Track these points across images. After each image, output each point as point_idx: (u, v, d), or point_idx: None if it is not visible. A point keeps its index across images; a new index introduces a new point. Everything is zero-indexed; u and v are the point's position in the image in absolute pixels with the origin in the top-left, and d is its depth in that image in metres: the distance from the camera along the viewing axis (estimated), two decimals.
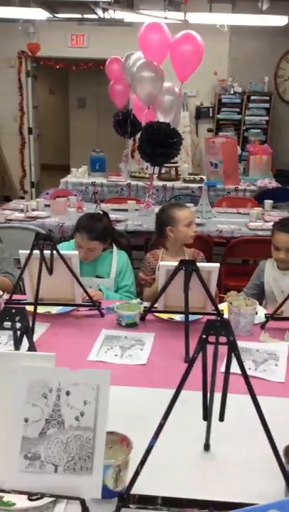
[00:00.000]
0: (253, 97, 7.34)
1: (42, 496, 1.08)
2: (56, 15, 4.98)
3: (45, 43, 7.11)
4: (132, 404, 1.52)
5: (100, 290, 2.49)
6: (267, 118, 7.41)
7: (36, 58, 7.66)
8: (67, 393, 1.08)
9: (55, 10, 4.91)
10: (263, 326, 2.06)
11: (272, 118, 7.44)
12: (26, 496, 1.08)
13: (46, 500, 1.09)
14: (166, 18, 4.76)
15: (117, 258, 2.66)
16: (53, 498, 1.09)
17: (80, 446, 1.06)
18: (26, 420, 1.07)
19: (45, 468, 1.07)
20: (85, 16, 5.09)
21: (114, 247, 2.70)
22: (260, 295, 2.61)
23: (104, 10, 4.80)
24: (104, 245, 2.62)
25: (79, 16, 5.17)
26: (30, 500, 1.08)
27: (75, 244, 2.58)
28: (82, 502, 1.07)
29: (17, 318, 1.37)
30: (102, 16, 4.90)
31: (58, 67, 8.04)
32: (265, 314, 2.12)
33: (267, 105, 7.37)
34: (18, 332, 1.40)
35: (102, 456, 1.06)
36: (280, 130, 7.60)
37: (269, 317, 2.07)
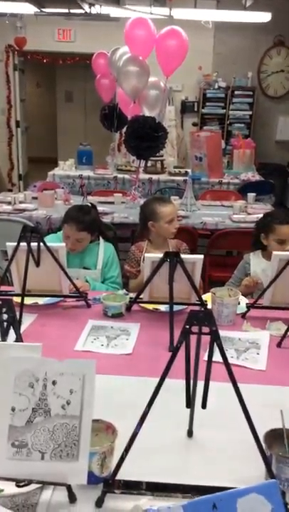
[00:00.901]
0: (236, 92, 7.39)
1: (29, 482, 1.10)
2: (43, 9, 4.95)
3: (32, 37, 7.06)
4: (118, 392, 1.54)
5: (87, 281, 2.52)
6: (250, 113, 7.47)
7: (24, 52, 7.60)
8: (54, 383, 1.10)
9: (42, 4, 4.87)
10: (243, 315, 2.10)
11: (255, 113, 7.50)
12: (14, 483, 1.10)
13: (33, 486, 1.11)
14: (151, 13, 4.76)
15: (104, 250, 2.69)
16: (40, 485, 1.11)
17: (66, 433, 1.09)
18: (13, 409, 1.09)
19: (32, 456, 1.09)
20: (72, 10, 5.07)
21: (101, 239, 2.73)
22: None
23: (91, 5, 4.79)
24: (92, 237, 2.65)
25: (66, 10, 5.13)
26: (18, 486, 1.10)
27: (63, 235, 2.60)
28: (69, 488, 1.10)
29: (4, 310, 1.39)
30: (88, 11, 4.88)
31: (45, 61, 7.99)
32: (246, 304, 2.16)
33: (250, 100, 7.43)
34: (5, 323, 1.41)
35: (87, 443, 1.09)
36: (263, 125, 7.67)
37: (250, 306, 2.11)
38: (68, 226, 2.56)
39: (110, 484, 1.11)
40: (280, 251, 2.48)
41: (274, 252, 2.09)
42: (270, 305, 2.12)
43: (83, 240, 2.59)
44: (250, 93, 7.41)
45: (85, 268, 2.64)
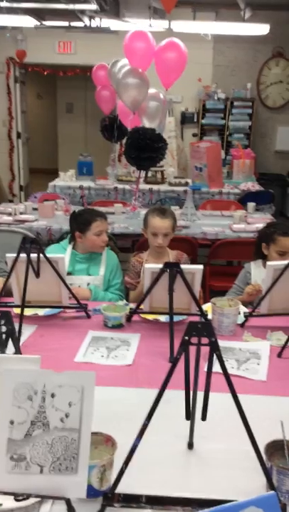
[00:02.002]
0: (236, 103, 7.43)
1: (28, 496, 1.09)
2: (44, 22, 5.01)
3: (33, 50, 7.12)
4: (118, 404, 1.53)
5: (90, 290, 2.54)
6: (250, 123, 7.50)
7: (24, 64, 7.68)
8: (52, 395, 1.09)
9: (42, 17, 4.93)
10: (242, 324, 2.09)
11: (254, 123, 7.53)
12: (12, 497, 1.09)
13: (32, 500, 1.10)
14: (150, 26, 4.80)
15: (108, 257, 2.73)
16: (38, 499, 1.10)
17: (65, 447, 1.08)
18: (12, 422, 1.09)
19: (31, 469, 1.08)
20: (72, 23, 5.13)
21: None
22: None
23: (91, 18, 4.84)
24: None
25: (66, 23, 5.19)
26: (17, 500, 1.09)
27: (94, 234, 2.63)
28: (68, 502, 1.08)
29: (2, 322, 1.38)
30: (88, 24, 4.94)
31: (45, 73, 8.06)
32: (244, 313, 2.15)
33: (249, 111, 7.46)
34: (4, 335, 1.41)
35: (87, 456, 1.08)
36: (263, 135, 7.71)
37: (248, 315, 2.11)
38: (99, 221, 2.64)
39: (110, 498, 1.10)
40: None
41: (268, 263, 2.10)
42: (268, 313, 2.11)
43: None
44: (250, 104, 7.46)
45: (89, 275, 2.68)
